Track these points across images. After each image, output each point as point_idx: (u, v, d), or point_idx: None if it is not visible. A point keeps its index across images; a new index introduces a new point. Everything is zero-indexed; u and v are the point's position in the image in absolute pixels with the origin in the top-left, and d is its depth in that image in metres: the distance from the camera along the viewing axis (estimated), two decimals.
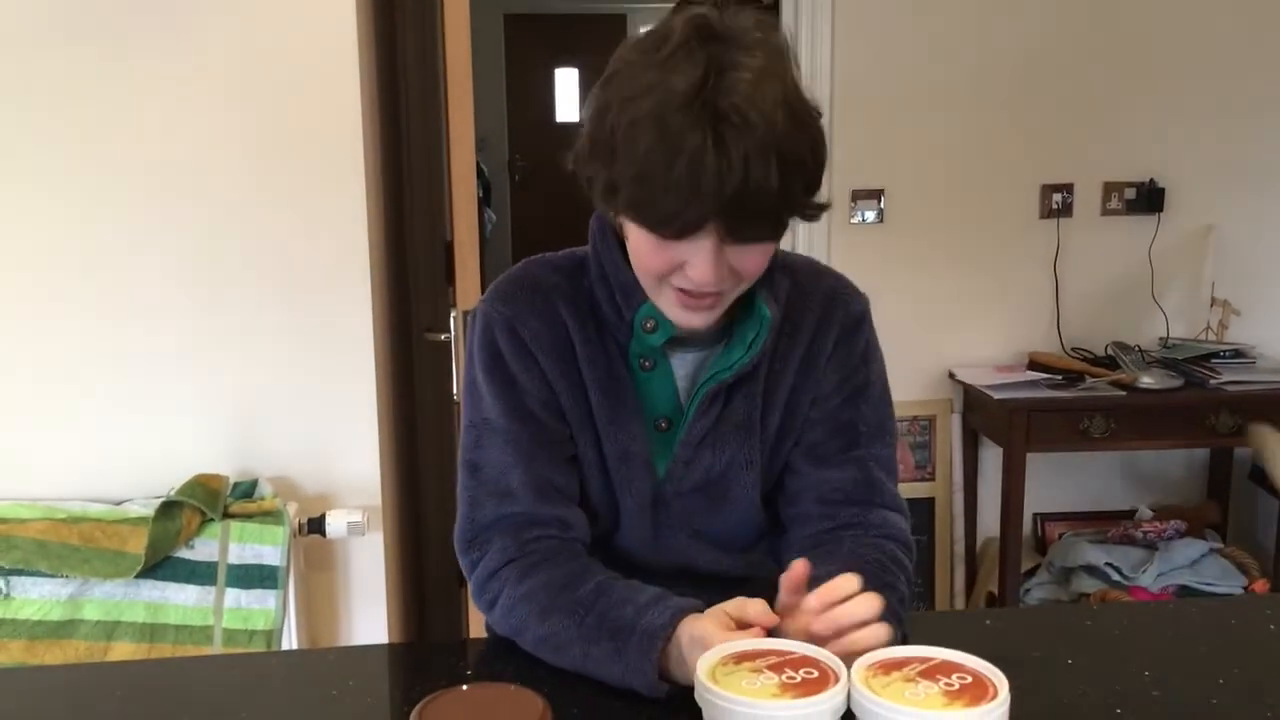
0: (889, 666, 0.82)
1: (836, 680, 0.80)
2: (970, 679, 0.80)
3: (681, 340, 1.15)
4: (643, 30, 1.06)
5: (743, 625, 0.96)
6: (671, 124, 0.95)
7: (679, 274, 1.04)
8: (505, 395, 1.14)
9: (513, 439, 1.13)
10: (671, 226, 0.99)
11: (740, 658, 0.85)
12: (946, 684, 0.79)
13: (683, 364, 1.16)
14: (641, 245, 1.04)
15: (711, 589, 1.06)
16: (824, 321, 1.18)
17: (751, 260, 1.04)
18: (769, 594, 1.01)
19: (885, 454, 1.20)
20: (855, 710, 0.79)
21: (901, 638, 1.01)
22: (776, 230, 1.03)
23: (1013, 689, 0.79)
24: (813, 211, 1.05)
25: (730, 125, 0.94)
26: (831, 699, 0.78)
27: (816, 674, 0.81)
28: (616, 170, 1.00)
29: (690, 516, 1.18)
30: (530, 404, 1.14)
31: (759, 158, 0.95)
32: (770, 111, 0.96)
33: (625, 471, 1.16)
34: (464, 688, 0.67)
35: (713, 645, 0.89)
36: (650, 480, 1.16)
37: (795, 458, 1.19)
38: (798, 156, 0.98)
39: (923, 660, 0.83)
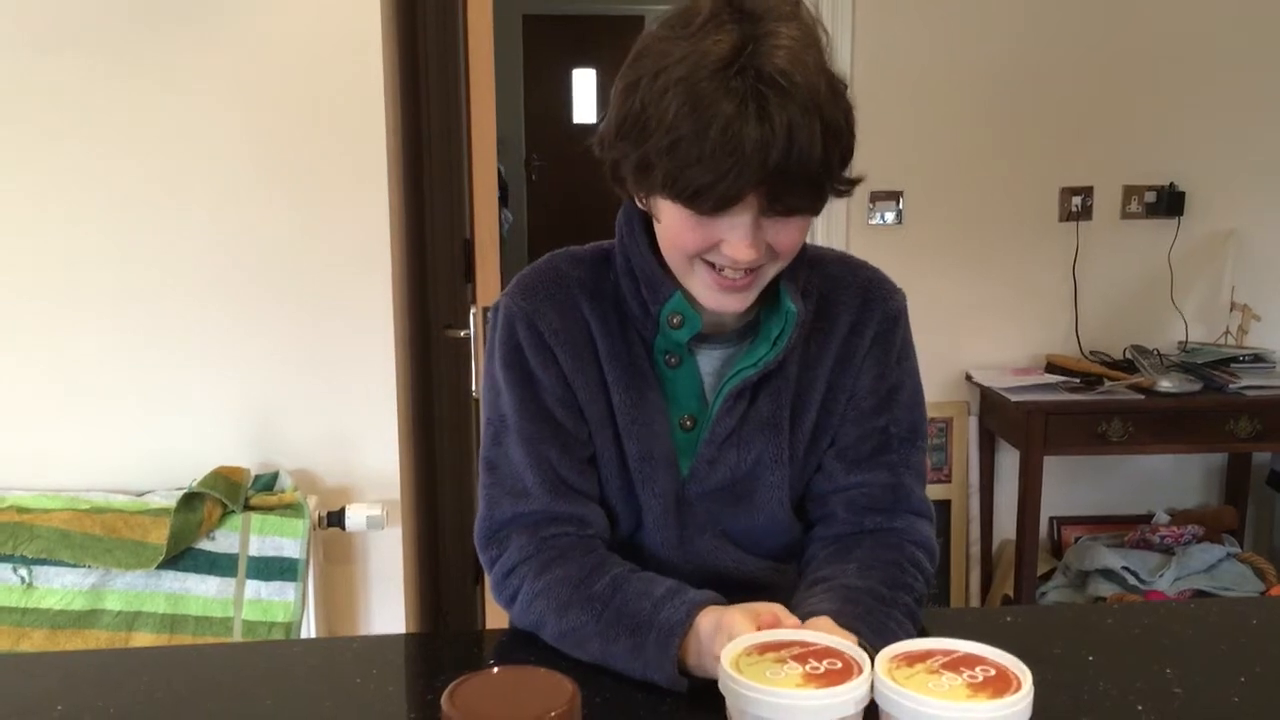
0: (913, 658, 0.82)
1: (860, 671, 0.80)
2: (994, 672, 0.80)
3: (707, 336, 1.12)
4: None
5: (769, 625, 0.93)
6: (707, 90, 0.92)
7: (714, 252, 1.01)
8: (523, 392, 1.12)
9: (528, 438, 1.11)
10: (710, 199, 0.94)
11: (764, 648, 0.85)
12: (970, 676, 0.79)
13: (709, 361, 1.14)
14: (676, 223, 1.00)
15: (737, 594, 1.04)
16: (862, 315, 1.15)
17: (788, 235, 1.01)
18: (789, 600, 1.01)
19: (916, 458, 1.18)
20: (879, 701, 0.79)
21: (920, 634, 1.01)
22: (817, 202, 0.99)
23: (1034, 685, 0.79)
24: (846, 186, 1.02)
25: (775, 89, 0.91)
26: (855, 690, 0.79)
27: (840, 665, 0.82)
28: (649, 146, 0.96)
29: (716, 517, 1.16)
30: (547, 401, 1.12)
31: (803, 124, 0.92)
32: (812, 77, 0.93)
33: (648, 471, 1.13)
34: (494, 670, 0.68)
35: (738, 635, 0.89)
36: (674, 480, 1.14)
37: (826, 458, 1.17)
38: (837, 124, 0.95)
39: (946, 653, 0.83)
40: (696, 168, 0.93)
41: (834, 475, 1.16)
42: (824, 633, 0.88)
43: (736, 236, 0.98)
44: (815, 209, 1.00)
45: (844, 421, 1.16)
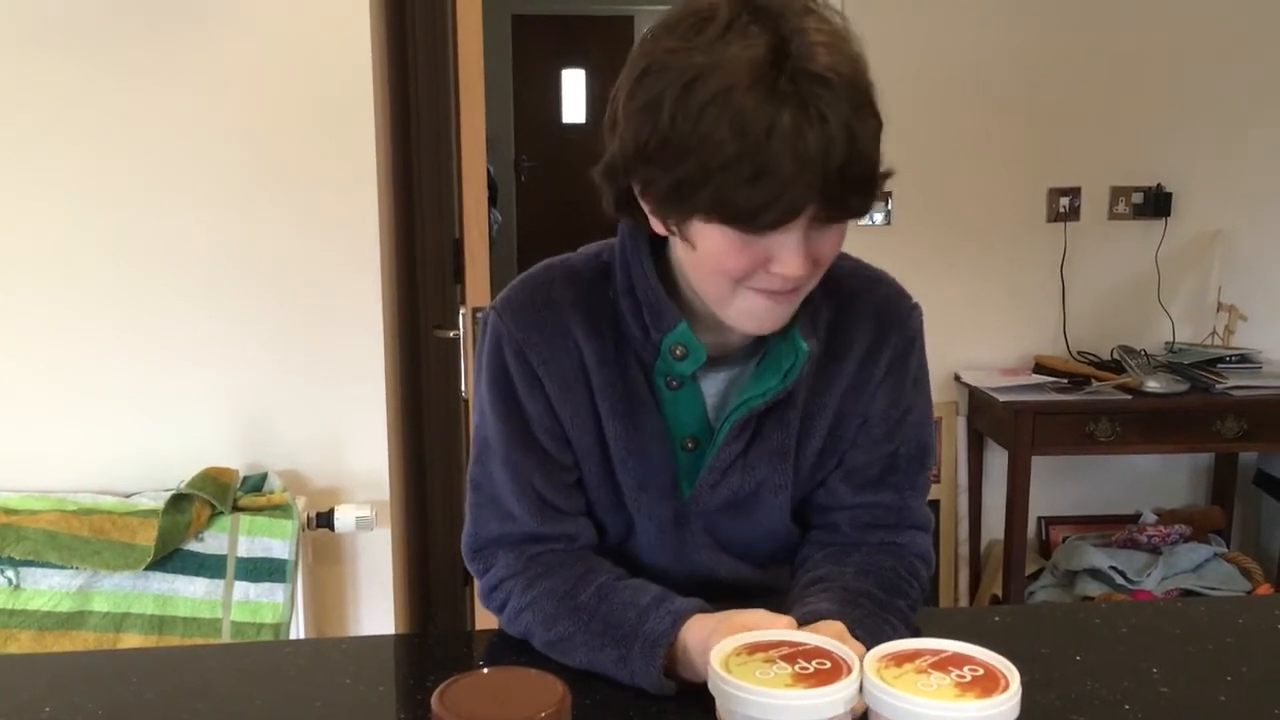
0: (901, 658, 0.82)
1: (849, 671, 0.81)
2: (982, 671, 0.80)
3: (711, 359, 1.08)
4: (656, 23, 0.95)
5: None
6: (750, 101, 0.84)
7: (759, 274, 0.94)
8: (508, 419, 1.09)
9: (512, 465, 1.09)
10: (771, 215, 0.87)
11: (753, 648, 0.85)
12: (958, 675, 0.80)
13: (712, 383, 1.10)
14: (720, 248, 0.92)
15: (729, 598, 1.03)
16: (877, 341, 1.11)
17: (831, 243, 0.95)
18: (784, 601, 1.01)
19: (923, 477, 1.16)
20: (868, 701, 0.79)
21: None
22: (871, 200, 0.92)
23: (1022, 684, 0.79)
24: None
25: (826, 88, 0.85)
26: (844, 689, 0.79)
27: (829, 665, 0.82)
28: (688, 168, 0.87)
29: (714, 531, 1.14)
30: (534, 430, 1.09)
31: (859, 121, 0.86)
32: (856, 69, 0.89)
33: (644, 499, 1.11)
34: (484, 671, 0.68)
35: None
36: (673, 502, 1.12)
37: (833, 478, 1.14)
38: (880, 119, 0.91)
39: (935, 652, 0.83)
40: (753, 185, 0.86)
41: (839, 495, 1.14)
42: (833, 639, 0.86)
43: (788, 252, 0.92)
44: (869, 208, 0.93)
45: (853, 446, 1.13)
